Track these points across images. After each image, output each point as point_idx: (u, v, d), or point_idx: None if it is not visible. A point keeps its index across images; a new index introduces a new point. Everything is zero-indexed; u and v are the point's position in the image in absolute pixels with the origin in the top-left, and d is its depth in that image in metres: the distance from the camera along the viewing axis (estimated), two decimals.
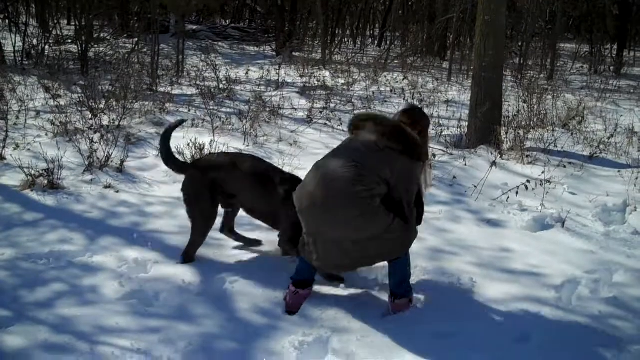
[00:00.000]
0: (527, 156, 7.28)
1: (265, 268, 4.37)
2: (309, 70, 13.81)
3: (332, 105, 10.01)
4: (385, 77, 14.19)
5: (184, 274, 4.25)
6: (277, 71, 12.90)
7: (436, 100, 11.08)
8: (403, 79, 14.05)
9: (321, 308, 3.84)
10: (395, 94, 11.99)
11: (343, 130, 8.75)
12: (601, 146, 7.68)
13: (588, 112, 9.83)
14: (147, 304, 3.89)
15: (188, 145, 6.66)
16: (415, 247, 4.90)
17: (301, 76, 13.24)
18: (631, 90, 14.10)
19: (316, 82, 12.40)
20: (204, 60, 13.64)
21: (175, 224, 5.20)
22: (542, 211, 5.71)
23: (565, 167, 7.03)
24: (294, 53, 17.55)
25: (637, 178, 6.49)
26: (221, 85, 10.93)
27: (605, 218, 5.62)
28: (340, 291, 4.11)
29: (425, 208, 5.81)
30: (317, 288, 4.08)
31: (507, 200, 5.96)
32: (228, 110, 9.39)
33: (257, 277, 4.20)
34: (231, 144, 7.33)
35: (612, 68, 18.52)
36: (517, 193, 5.93)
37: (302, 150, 7.60)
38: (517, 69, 14.94)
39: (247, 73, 13.34)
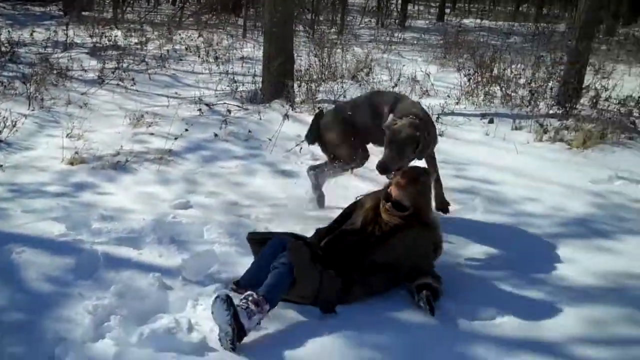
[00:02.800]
0: (319, 108, 7.54)
1: (54, 235, 4.20)
2: (100, 30, 13.22)
3: (124, 65, 9.71)
4: (180, 35, 13.96)
5: None
6: (65, 32, 12.20)
7: (231, 57, 11.10)
8: (198, 37, 13.89)
9: (115, 269, 3.79)
10: (190, 52, 11.87)
11: (137, 90, 8.59)
12: None
13: (375, 64, 10.36)
14: None
15: None
16: (211, 202, 5.00)
17: (91, 36, 12.64)
18: (414, 42, 15.00)
19: (107, 42, 11.93)
20: None
21: None
22: None
23: None
24: (83, 12, 16.67)
25: None
26: (2, 48, 10.17)
27: None
28: (136, 253, 4.06)
29: (222, 163, 5.95)
30: (107, 249, 4.02)
31: (300, 151, 6.16)
32: (10, 74, 8.79)
33: (45, 245, 4.02)
34: (14, 109, 6.89)
35: (397, 21, 19.51)
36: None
37: (93, 112, 7.35)
38: (308, 24, 15.28)
39: (32, 34, 12.49)
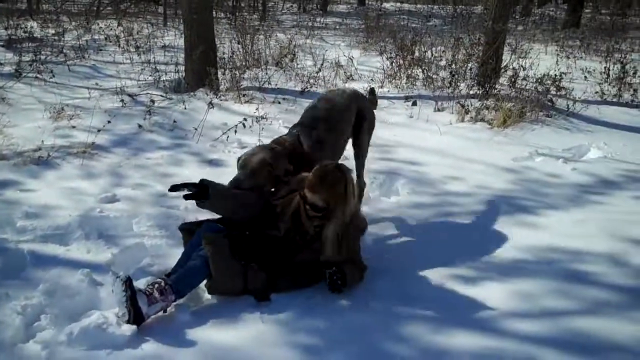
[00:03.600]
0: (244, 95, 7.53)
1: None
2: (15, 21, 12.79)
3: (42, 57, 9.42)
4: (99, 25, 13.63)
5: None
6: None
7: (153, 46, 10.91)
8: (118, 26, 13.60)
9: (43, 268, 3.71)
10: (110, 42, 11.61)
11: (56, 83, 8.36)
12: (311, 80, 8.18)
13: (299, 49, 10.36)
14: None
15: None
16: (139, 194, 4.94)
17: (6, 28, 12.21)
18: (336, 27, 15.07)
19: (23, 34, 11.56)
20: None
21: None
22: None
23: (279, 102, 7.39)
24: None
25: None
26: None
27: None
28: (63, 250, 3.99)
29: (148, 154, 5.87)
30: (33, 247, 3.94)
31: (227, 140, 6.14)
32: None
33: None
34: None
35: (319, 6, 19.56)
36: (235, 132, 6.14)
37: (12, 106, 7.12)
38: (230, 10, 15.15)
39: None
